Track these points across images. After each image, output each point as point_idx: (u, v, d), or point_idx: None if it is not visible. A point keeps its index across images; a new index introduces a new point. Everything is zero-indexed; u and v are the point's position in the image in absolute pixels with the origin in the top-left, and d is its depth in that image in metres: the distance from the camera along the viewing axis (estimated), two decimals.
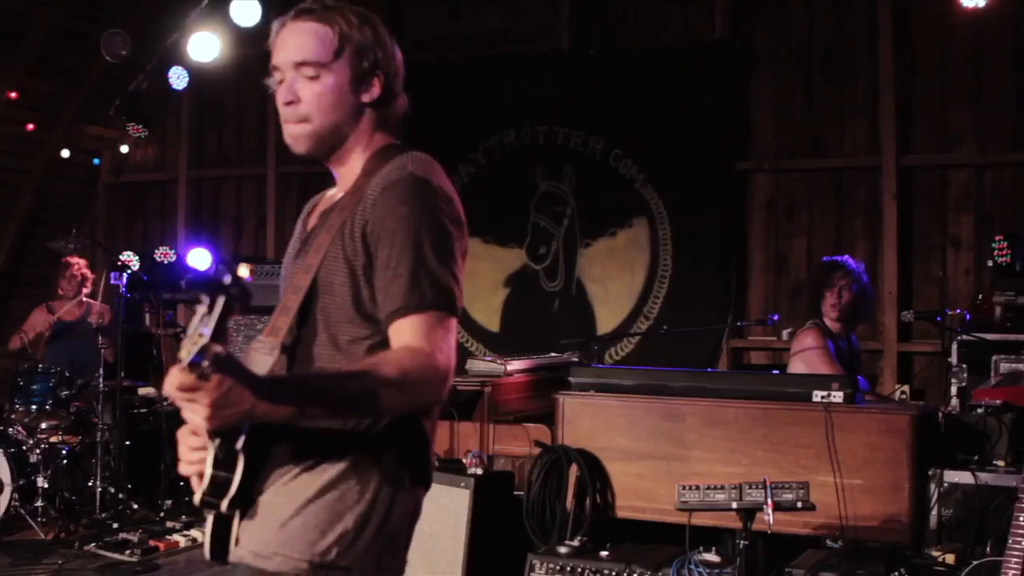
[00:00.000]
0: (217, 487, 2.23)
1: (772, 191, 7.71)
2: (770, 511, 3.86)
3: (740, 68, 7.63)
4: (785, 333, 7.11)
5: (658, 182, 7.73)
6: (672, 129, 7.63)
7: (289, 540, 2.22)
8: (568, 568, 4.47)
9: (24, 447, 7.16)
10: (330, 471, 2.24)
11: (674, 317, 7.57)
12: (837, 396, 4.56)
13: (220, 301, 1.89)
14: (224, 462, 2.22)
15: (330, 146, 2.43)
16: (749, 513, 3.94)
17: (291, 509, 2.23)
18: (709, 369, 5.40)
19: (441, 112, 8.40)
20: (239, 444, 2.20)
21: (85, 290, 8.06)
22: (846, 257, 5.69)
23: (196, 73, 8.08)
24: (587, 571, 4.44)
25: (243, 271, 1.95)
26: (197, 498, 2.25)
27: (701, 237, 7.63)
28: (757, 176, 7.72)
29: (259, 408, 2.03)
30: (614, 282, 7.90)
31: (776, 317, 6.17)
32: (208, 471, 2.21)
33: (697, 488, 4.09)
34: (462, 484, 4.92)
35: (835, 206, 7.54)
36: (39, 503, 7.08)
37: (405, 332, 2.18)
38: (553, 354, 6.98)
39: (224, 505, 2.24)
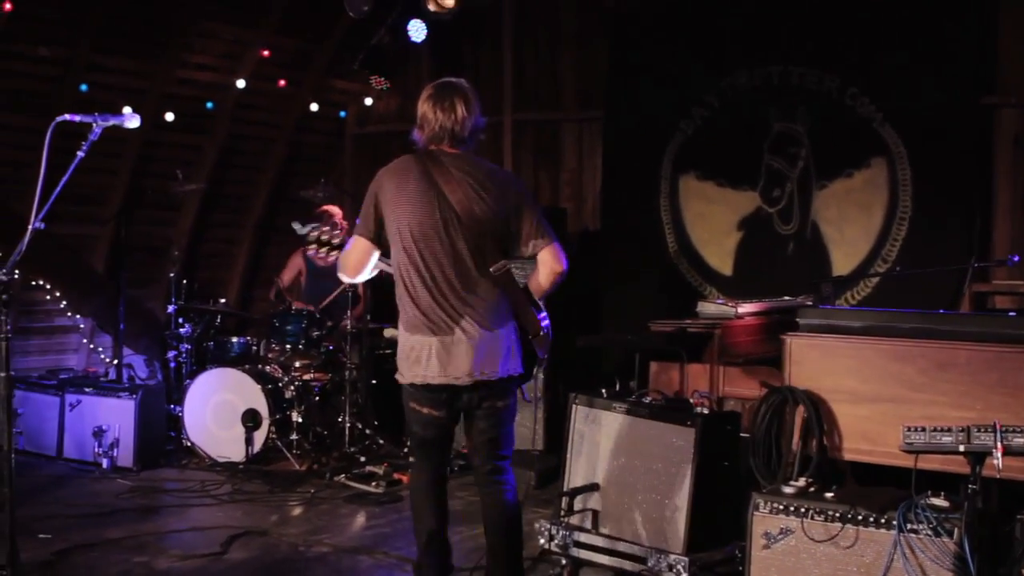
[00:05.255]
0: None
1: (1021, 126, 7.33)
2: (999, 455, 3.78)
3: None
4: None
5: (897, 120, 7.47)
6: (912, 64, 7.35)
7: None
8: (792, 508, 4.48)
9: (280, 384, 7.67)
10: None
11: (914, 260, 7.33)
12: None
13: None
14: None
15: None
16: (977, 457, 3.87)
17: None
18: (941, 311, 5.24)
19: (675, 56, 8.39)
20: None
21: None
22: None
23: (434, 25, 8.32)
24: (811, 512, 4.44)
25: None
26: None
27: (943, 177, 7.35)
28: (1004, 111, 7.35)
29: None
30: (851, 224, 7.71)
31: (1016, 258, 5.91)
32: None
33: (923, 430, 4.04)
34: (688, 423, 5.00)
35: None
36: (294, 436, 7.58)
37: None
38: (786, 297, 6.92)
39: None
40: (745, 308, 6.50)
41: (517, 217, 4.36)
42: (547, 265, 4.40)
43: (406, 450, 7.66)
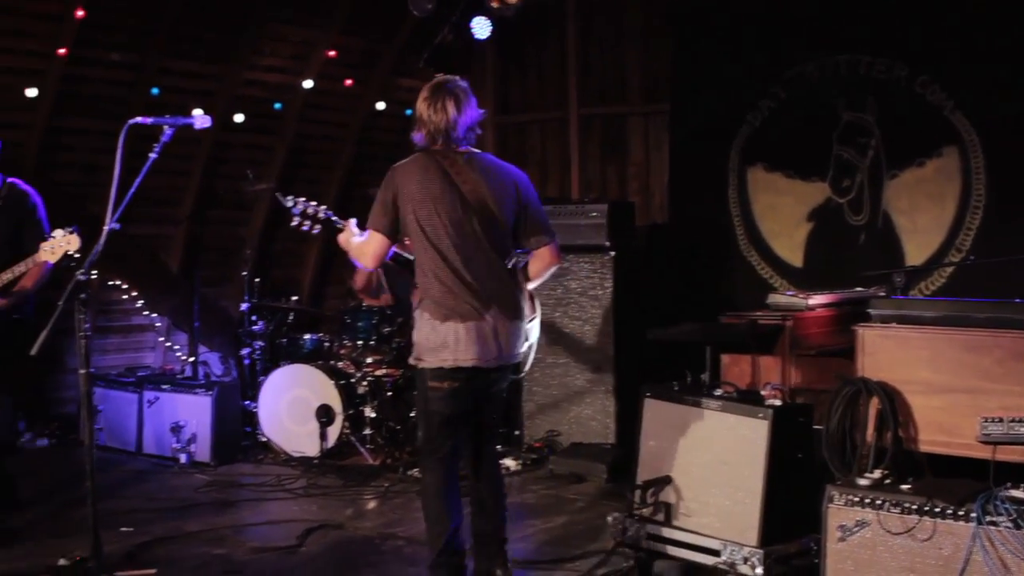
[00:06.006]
0: None
1: None
2: None
3: None
4: None
5: (969, 108, 7.34)
6: (983, 49, 7.23)
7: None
8: (867, 500, 4.44)
9: (352, 380, 7.75)
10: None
11: (989, 249, 7.19)
12: None
13: None
14: None
15: None
16: None
17: None
18: (1017, 300, 5.14)
19: (740, 47, 8.33)
20: None
21: None
22: None
23: (498, 22, 8.35)
24: (887, 504, 4.39)
25: None
26: None
27: (1018, 164, 7.21)
28: None
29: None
30: (923, 214, 7.60)
31: None
32: None
33: (1001, 421, 3.99)
34: (760, 415, 4.97)
35: None
36: (367, 431, 7.66)
37: None
38: (858, 288, 6.86)
39: None
40: (816, 300, 6.45)
41: (524, 213, 4.75)
42: (544, 260, 4.83)
43: (409, 449, 7.51)
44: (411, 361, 4.70)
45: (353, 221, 4.92)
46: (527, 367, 5.13)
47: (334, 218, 5.04)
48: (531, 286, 4.90)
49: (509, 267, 4.74)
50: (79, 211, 8.43)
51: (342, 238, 4.91)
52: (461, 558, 4.73)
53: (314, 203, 5.05)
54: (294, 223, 5.08)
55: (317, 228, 5.06)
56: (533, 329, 5.02)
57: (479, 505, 4.86)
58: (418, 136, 4.70)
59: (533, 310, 5.00)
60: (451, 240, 4.55)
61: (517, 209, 4.74)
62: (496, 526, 4.86)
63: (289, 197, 5.18)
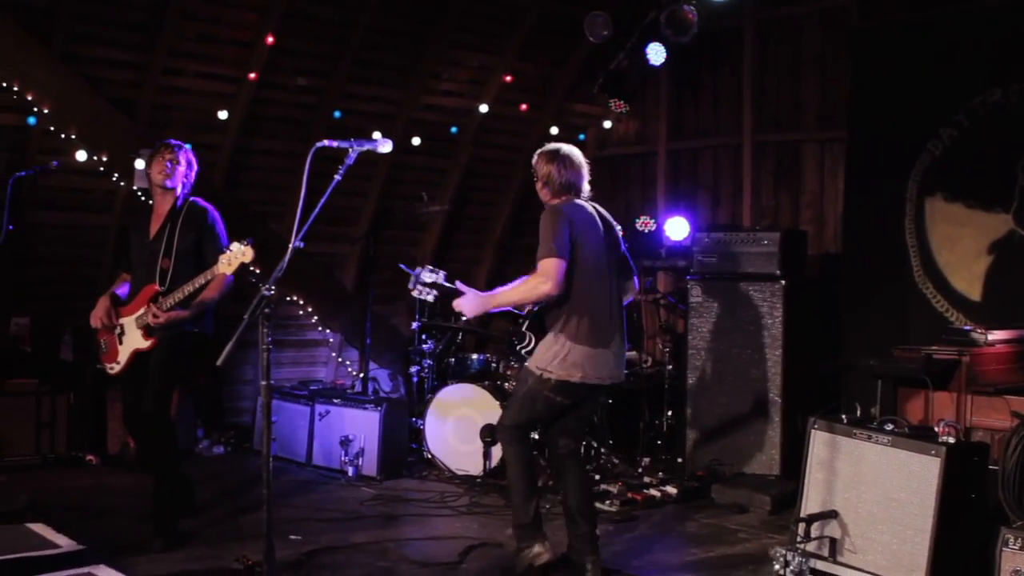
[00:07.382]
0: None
1: None
2: None
3: None
4: None
5: None
6: None
7: (536, 359, 5.26)
8: None
9: None
10: (549, 332, 5.23)
11: None
12: None
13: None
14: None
15: None
16: None
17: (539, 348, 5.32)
18: None
19: (922, 75, 8.12)
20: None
21: None
22: None
23: (673, 48, 8.36)
24: None
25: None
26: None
27: None
28: None
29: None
30: None
31: None
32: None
33: None
34: (932, 452, 4.85)
35: None
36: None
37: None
38: None
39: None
40: (995, 335, 6.24)
41: (623, 254, 5.53)
42: (631, 291, 5.60)
43: (640, 470, 7.67)
44: (534, 368, 5.27)
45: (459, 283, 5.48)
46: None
47: (458, 285, 5.47)
48: None
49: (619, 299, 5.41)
50: (260, 228, 8.77)
51: (468, 303, 5.42)
52: (541, 522, 5.46)
53: (441, 271, 5.52)
54: (415, 292, 5.56)
55: (433, 294, 5.55)
56: None
57: (568, 514, 5.43)
58: (545, 192, 5.37)
59: None
60: (596, 276, 5.24)
61: (620, 250, 5.50)
62: (585, 530, 5.38)
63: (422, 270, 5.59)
